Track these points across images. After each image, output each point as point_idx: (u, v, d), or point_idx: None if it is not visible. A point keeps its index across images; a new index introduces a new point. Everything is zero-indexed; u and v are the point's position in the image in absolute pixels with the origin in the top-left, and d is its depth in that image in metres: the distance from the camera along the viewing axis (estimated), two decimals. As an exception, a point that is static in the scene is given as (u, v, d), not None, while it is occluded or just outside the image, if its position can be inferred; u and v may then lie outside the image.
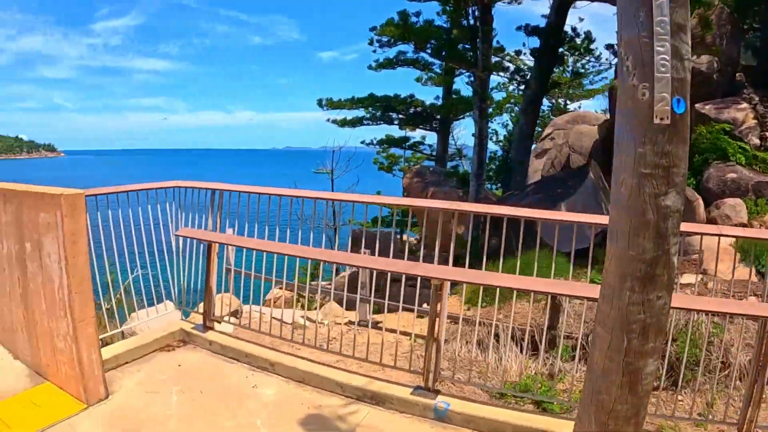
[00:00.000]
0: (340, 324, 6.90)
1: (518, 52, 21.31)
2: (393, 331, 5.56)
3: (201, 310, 5.33)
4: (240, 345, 4.79)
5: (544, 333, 4.59)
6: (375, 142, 24.18)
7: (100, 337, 4.87)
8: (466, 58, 17.18)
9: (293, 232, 4.95)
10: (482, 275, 4.17)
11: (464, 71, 21.48)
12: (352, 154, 23.53)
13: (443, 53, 17.51)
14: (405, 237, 20.84)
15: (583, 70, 25.38)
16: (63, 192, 3.36)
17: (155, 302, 5.87)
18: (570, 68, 25.18)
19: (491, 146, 23.96)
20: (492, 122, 24.15)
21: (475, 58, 16.48)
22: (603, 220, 3.98)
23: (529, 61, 20.65)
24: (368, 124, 22.53)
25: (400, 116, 22.66)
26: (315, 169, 25.72)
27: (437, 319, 4.12)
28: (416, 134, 24.85)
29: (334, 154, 22.68)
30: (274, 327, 4.96)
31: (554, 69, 19.39)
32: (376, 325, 6.86)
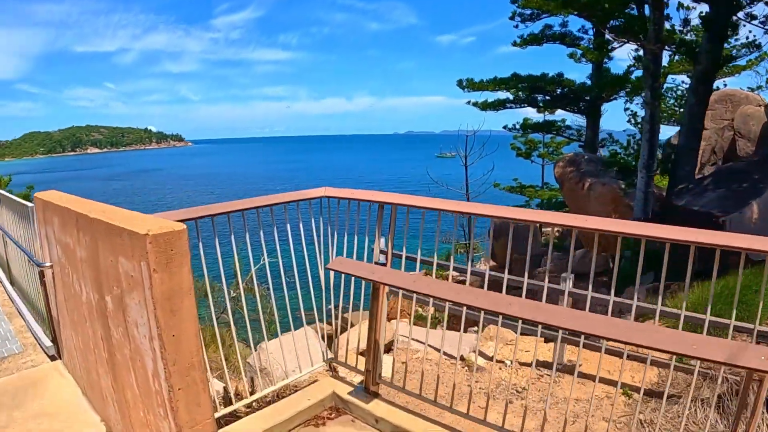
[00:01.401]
0: (521, 362, 5.37)
1: (686, 21, 18.17)
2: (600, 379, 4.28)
3: (352, 358, 3.86)
4: (421, 427, 3.19)
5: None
6: (518, 126, 21.79)
7: (219, 415, 3.51)
8: (635, 29, 14.63)
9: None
10: None
11: (619, 46, 18.75)
12: (486, 138, 21.56)
13: (609, 24, 15.09)
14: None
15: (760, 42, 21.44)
16: (149, 230, 1.81)
17: (292, 326, 4.47)
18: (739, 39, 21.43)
19: (632, 129, 21.13)
20: (631, 103, 20.96)
21: (644, 29, 13.95)
22: None
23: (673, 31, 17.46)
24: (511, 107, 20.32)
25: (546, 98, 20.17)
26: (438, 154, 24.53)
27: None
28: (556, 117, 22.25)
29: (467, 139, 20.82)
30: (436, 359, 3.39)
31: (727, 41, 16.16)
32: (572, 369, 5.25)
